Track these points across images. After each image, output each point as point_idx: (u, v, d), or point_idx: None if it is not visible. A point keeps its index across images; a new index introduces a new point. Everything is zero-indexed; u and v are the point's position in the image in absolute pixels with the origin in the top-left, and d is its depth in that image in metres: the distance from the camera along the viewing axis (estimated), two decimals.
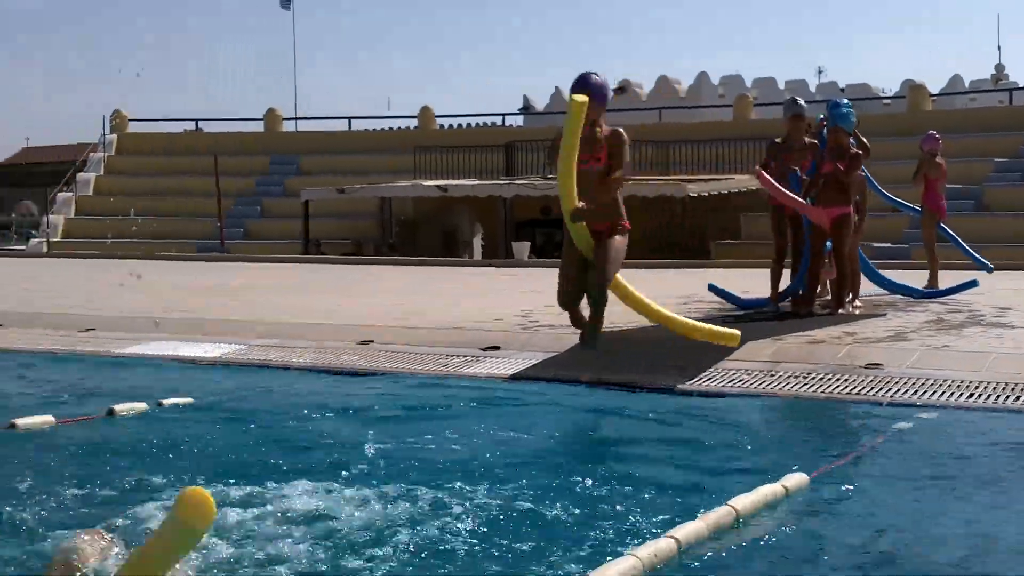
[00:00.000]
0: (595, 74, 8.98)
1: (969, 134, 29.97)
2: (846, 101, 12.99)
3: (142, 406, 7.67)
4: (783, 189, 12.43)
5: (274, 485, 5.54)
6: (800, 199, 12.44)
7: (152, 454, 6.37)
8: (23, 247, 41.65)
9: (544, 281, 19.75)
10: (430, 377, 9.39)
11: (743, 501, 5.09)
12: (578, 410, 7.88)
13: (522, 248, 29.08)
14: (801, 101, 13.28)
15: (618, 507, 5.25)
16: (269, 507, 5.19)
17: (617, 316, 12.80)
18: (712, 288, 13.69)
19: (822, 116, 13.18)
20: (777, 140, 13.26)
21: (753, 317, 12.64)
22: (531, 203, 31.40)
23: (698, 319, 12.64)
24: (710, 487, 5.62)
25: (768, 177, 12.38)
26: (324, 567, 4.46)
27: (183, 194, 36.93)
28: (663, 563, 4.37)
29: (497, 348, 10.55)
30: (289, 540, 4.72)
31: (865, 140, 13.19)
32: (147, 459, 6.24)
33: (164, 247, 32.10)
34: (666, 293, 15.82)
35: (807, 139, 12.97)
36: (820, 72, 66.06)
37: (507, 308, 13.82)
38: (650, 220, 30.26)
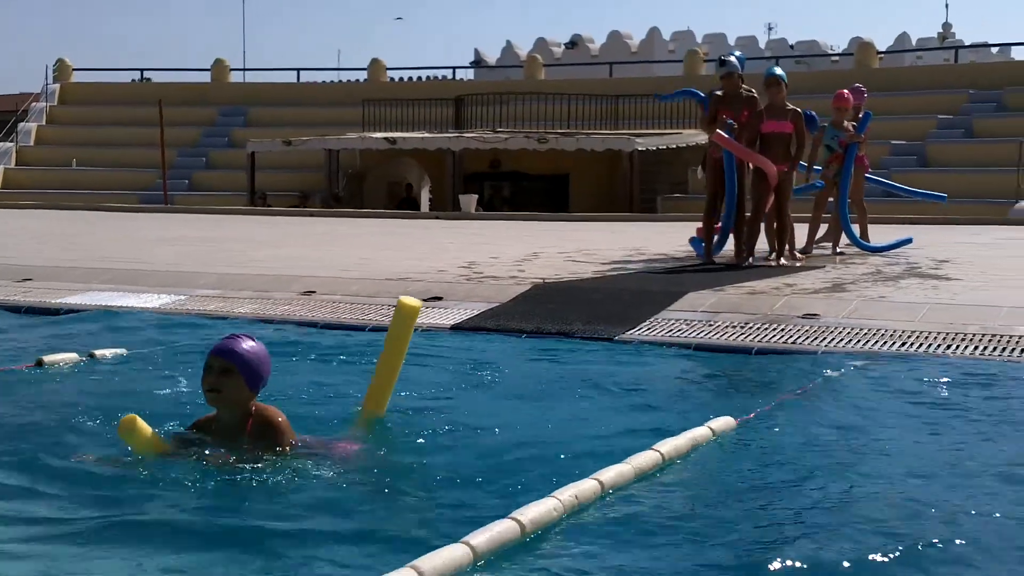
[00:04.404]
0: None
1: (914, 92, 30.47)
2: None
3: (73, 357, 7.57)
4: (740, 145, 12.58)
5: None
6: (757, 154, 12.61)
7: (80, 406, 6.25)
8: None
9: (490, 233, 19.79)
10: (370, 327, 9.36)
11: (669, 444, 5.13)
12: (515, 359, 7.88)
13: (469, 201, 28.99)
14: (732, 58, 13.37)
15: (545, 452, 5.27)
16: None
17: (559, 269, 12.84)
18: (692, 240, 13.90)
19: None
20: (717, 93, 13.30)
21: (697, 268, 12.76)
22: (480, 156, 31.31)
23: (642, 271, 12.79)
24: (641, 432, 5.63)
25: (725, 135, 12.47)
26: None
27: (127, 145, 36.52)
28: (586, 503, 4.39)
29: (440, 299, 10.53)
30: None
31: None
32: (75, 410, 6.12)
33: (106, 199, 31.68)
34: (616, 245, 15.89)
35: (744, 92, 13.06)
36: (770, 29, 66.15)
37: (452, 260, 13.80)
38: (599, 174, 30.34)
